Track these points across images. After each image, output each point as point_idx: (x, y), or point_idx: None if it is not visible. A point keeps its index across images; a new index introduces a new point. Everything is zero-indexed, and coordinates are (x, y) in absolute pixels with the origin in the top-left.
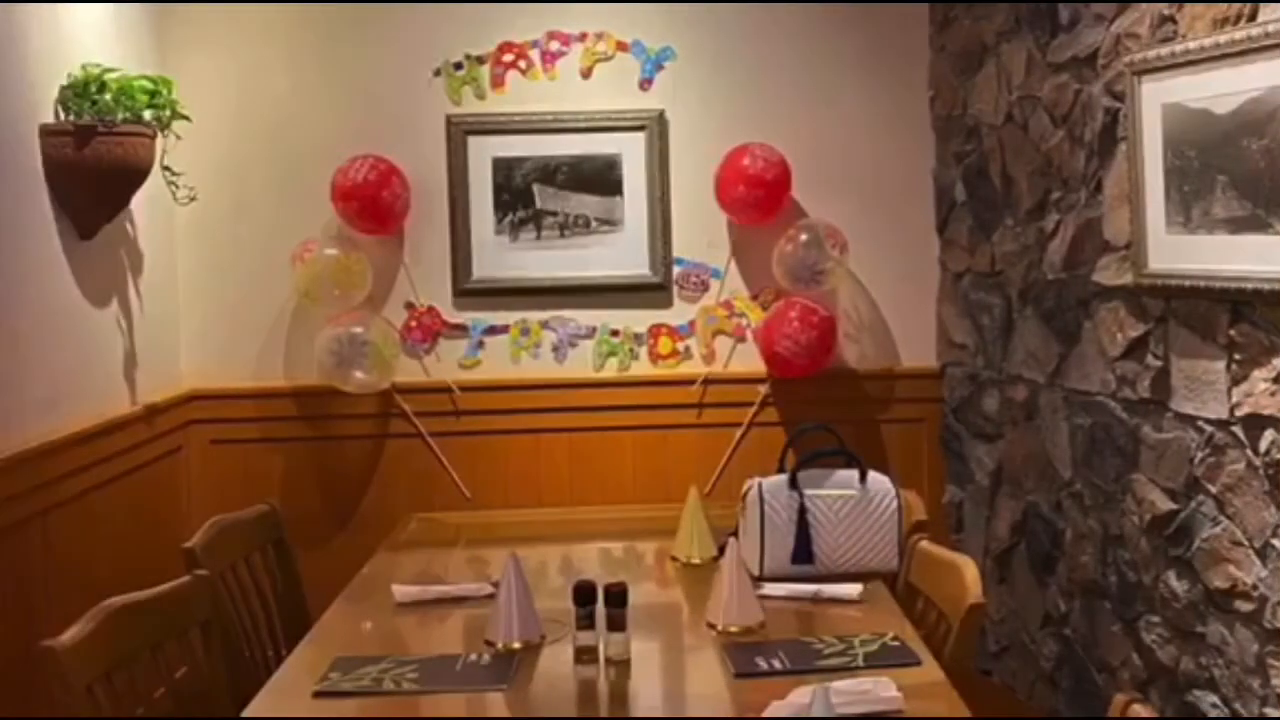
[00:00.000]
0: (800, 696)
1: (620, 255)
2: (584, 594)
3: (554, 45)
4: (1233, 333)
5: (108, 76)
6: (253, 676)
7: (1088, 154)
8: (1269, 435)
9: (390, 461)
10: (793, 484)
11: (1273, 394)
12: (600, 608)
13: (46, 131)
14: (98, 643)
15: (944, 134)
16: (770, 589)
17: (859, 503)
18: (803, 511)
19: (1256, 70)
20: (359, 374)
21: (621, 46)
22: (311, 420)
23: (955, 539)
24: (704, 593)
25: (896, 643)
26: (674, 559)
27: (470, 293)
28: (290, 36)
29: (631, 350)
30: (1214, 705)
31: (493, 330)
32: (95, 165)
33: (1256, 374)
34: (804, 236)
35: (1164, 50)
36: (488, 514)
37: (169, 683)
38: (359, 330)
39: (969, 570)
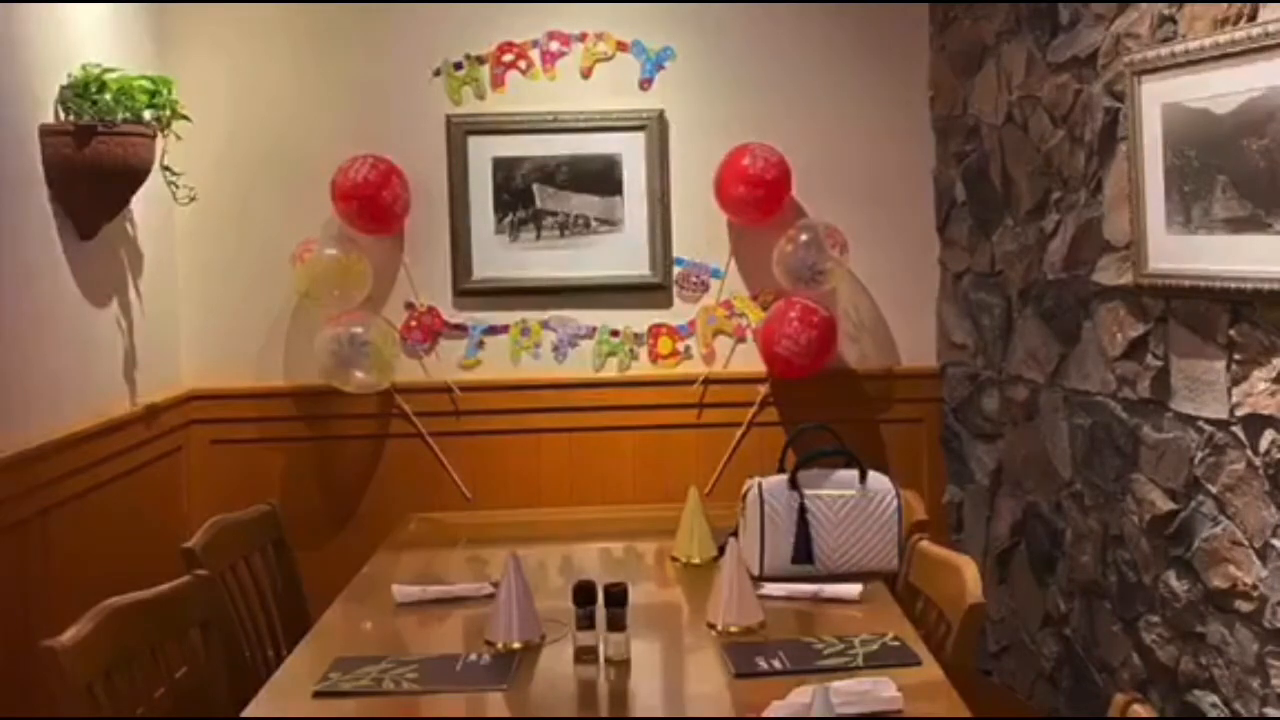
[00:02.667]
0: (800, 696)
1: (620, 255)
2: (584, 594)
3: (554, 45)
4: (1233, 333)
5: (108, 76)
6: (253, 676)
7: (1088, 154)
8: (1269, 435)
9: (390, 461)
10: (793, 484)
11: (1273, 394)
12: (600, 608)
13: (46, 131)
14: (98, 642)
15: (944, 134)
16: (770, 589)
17: (859, 503)
18: (803, 511)
19: (1256, 70)
20: (359, 374)
21: (621, 46)
22: (311, 420)
23: (955, 539)
24: (704, 593)
25: (896, 643)
26: (674, 559)
27: (470, 293)
28: (290, 36)
29: (631, 350)
30: (1214, 705)
31: (493, 330)
32: (95, 165)
33: (1256, 374)
34: (804, 236)
35: (1164, 50)
36: (488, 514)
37: (169, 683)
38: (359, 330)
39: (969, 570)
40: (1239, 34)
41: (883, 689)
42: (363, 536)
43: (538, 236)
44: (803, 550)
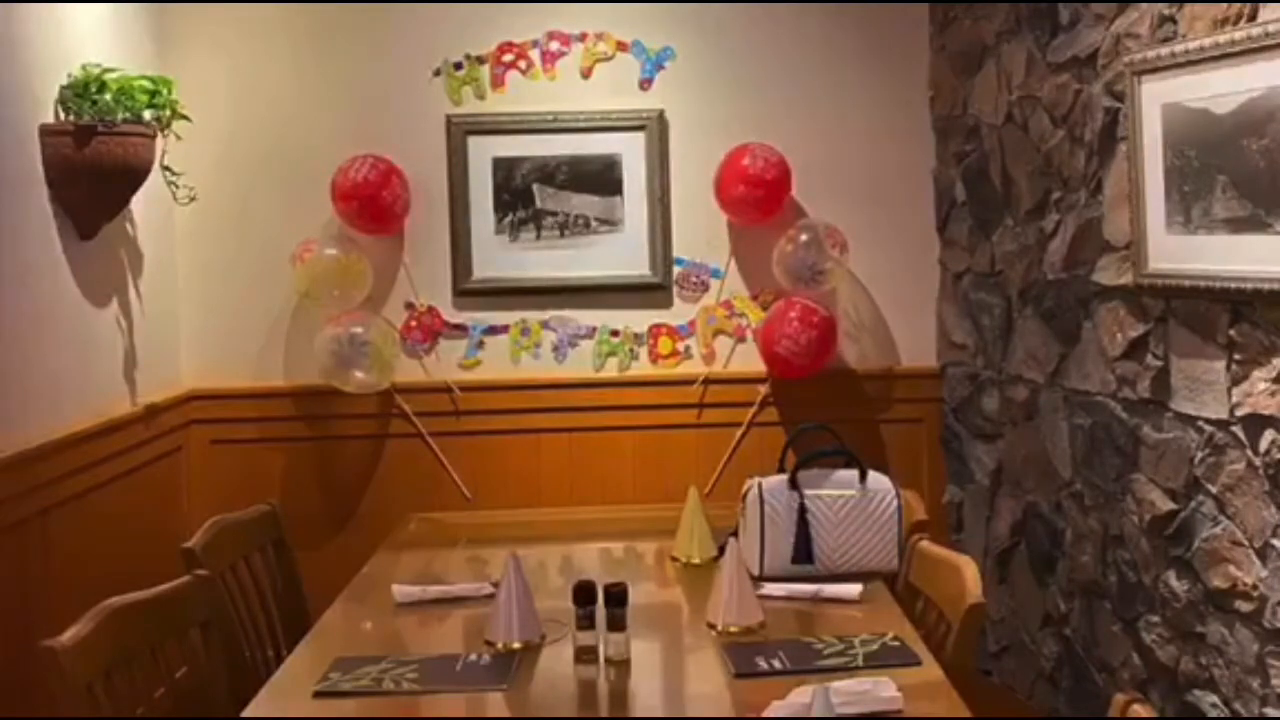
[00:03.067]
0: (800, 696)
1: (620, 255)
2: (584, 594)
3: (554, 45)
4: (1233, 333)
5: (108, 76)
6: (253, 676)
7: (1088, 154)
8: (1269, 435)
9: (390, 461)
10: (793, 484)
11: (1273, 394)
12: (600, 608)
13: (46, 131)
14: (98, 642)
15: (944, 134)
16: (770, 589)
17: (859, 503)
18: (803, 511)
19: (1256, 70)
20: (359, 374)
21: (621, 46)
22: (311, 420)
23: (955, 539)
24: (704, 593)
25: (896, 643)
26: (674, 559)
27: (470, 293)
28: (290, 36)
29: (631, 350)
30: (1214, 705)
31: (493, 330)
32: (95, 165)
33: (1256, 374)
34: (804, 236)
35: (1164, 50)
36: (488, 514)
37: (169, 683)
38: (359, 330)
39: (969, 570)
40: (1239, 34)
41: (883, 689)
42: (363, 536)
43: (538, 236)
44: (803, 550)
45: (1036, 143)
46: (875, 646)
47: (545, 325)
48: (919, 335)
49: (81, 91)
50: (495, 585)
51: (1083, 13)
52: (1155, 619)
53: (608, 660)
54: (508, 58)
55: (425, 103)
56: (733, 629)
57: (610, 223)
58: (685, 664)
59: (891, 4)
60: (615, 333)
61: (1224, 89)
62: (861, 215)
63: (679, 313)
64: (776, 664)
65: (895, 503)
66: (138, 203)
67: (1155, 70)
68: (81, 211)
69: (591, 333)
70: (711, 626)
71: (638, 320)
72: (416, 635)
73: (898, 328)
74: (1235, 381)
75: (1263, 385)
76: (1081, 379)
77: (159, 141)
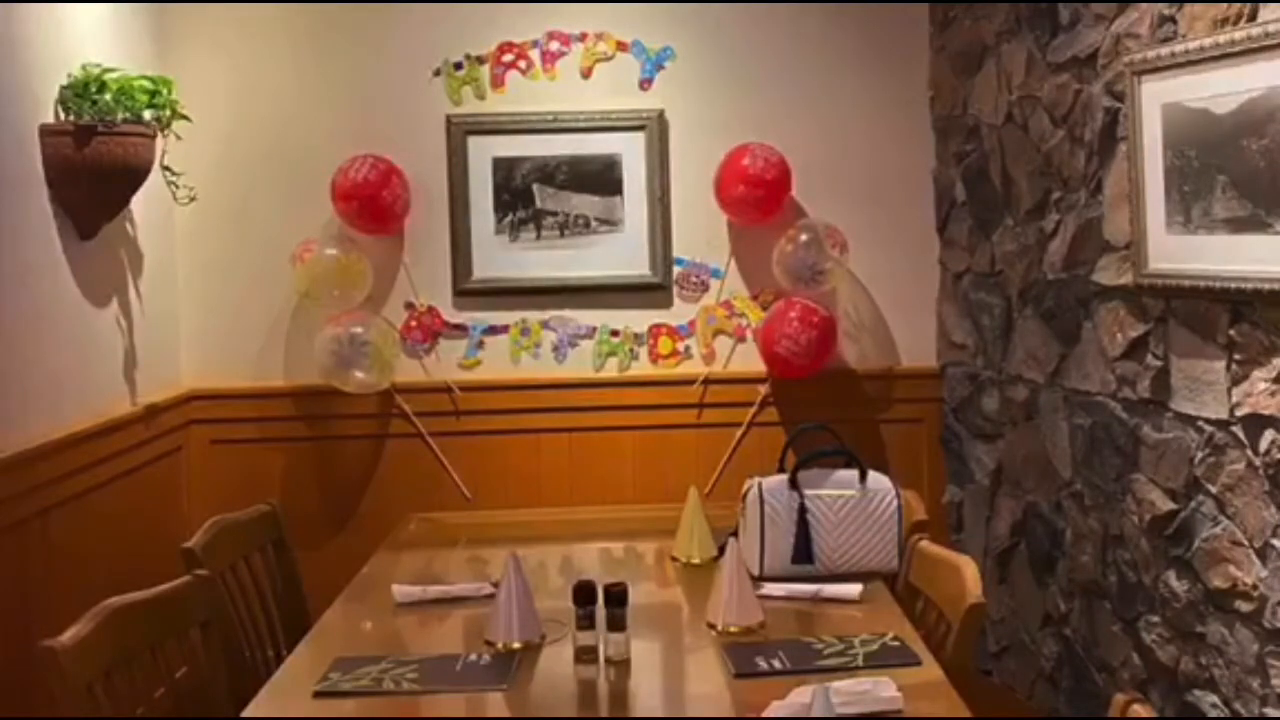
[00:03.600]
0: (800, 696)
1: (620, 255)
2: (584, 594)
3: (554, 45)
4: (1233, 333)
5: (108, 76)
6: (253, 676)
7: (1088, 154)
8: (1269, 435)
9: (390, 461)
10: (793, 484)
11: (1273, 394)
12: (600, 608)
13: (46, 131)
14: (98, 642)
15: (944, 134)
16: (770, 589)
17: (859, 503)
18: (803, 511)
19: (1256, 70)
20: (359, 374)
21: (621, 46)
22: (311, 420)
23: (955, 539)
24: (704, 593)
25: (896, 643)
26: (674, 559)
27: (470, 293)
28: (290, 36)
29: (631, 350)
30: (1214, 705)
31: (493, 330)
32: (95, 165)
33: (1256, 374)
34: (804, 236)
35: (1164, 50)
36: (488, 514)
37: (169, 683)
38: (359, 330)
39: (969, 570)
40: (1239, 34)
41: (883, 689)
42: (363, 536)
43: (538, 236)
44: (803, 550)
45: (1036, 143)
46: (875, 646)
47: (545, 325)
48: (919, 335)
49: (81, 91)
50: (495, 585)
51: (1083, 13)
52: (1155, 619)
53: (608, 660)
54: (508, 58)
55: (425, 103)
56: (733, 629)
57: (610, 223)
58: (685, 664)
59: (891, 4)
60: (615, 333)
61: (1224, 89)
62: (861, 215)
63: (679, 313)
64: (776, 664)
65: (895, 503)
66: (138, 203)
67: (1155, 70)
68: (81, 211)
69: (591, 333)
70: (711, 626)
71: (638, 320)
72: (416, 635)
73: (898, 328)
74: (1235, 381)
75: (1263, 385)
76: (1081, 379)
77: (159, 141)
